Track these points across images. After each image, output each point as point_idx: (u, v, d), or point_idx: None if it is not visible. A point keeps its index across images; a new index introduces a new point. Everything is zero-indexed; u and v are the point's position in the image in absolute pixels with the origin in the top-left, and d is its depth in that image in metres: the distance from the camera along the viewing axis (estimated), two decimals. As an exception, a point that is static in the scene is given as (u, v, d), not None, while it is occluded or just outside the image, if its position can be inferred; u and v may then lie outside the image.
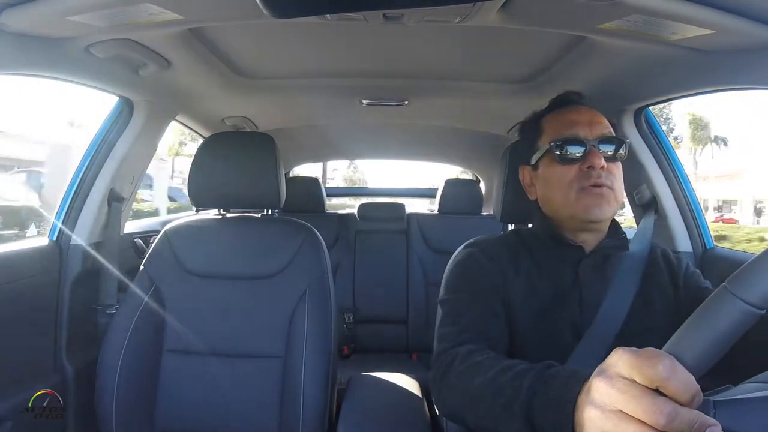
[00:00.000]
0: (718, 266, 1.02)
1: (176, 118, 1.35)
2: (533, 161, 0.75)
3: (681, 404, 0.31)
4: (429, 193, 2.69)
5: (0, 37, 0.71)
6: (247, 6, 0.60)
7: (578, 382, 0.39)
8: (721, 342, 0.34)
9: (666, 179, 1.08)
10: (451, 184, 2.02)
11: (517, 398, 0.46)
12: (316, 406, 0.89)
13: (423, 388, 1.07)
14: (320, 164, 8.25)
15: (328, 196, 2.22)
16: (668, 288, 0.72)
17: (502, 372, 0.50)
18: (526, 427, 0.44)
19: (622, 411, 0.32)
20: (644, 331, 0.67)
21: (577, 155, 0.68)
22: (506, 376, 0.49)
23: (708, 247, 1.07)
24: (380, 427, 0.90)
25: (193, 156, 1.05)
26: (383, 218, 2.04)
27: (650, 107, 1.08)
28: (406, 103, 1.37)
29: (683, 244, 1.08)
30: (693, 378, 0.32)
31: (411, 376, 1.13)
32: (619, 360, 0.34)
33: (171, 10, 0.71)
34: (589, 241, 0.72)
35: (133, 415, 0.91)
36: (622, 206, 0.77)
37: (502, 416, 0.47)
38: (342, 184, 19.56)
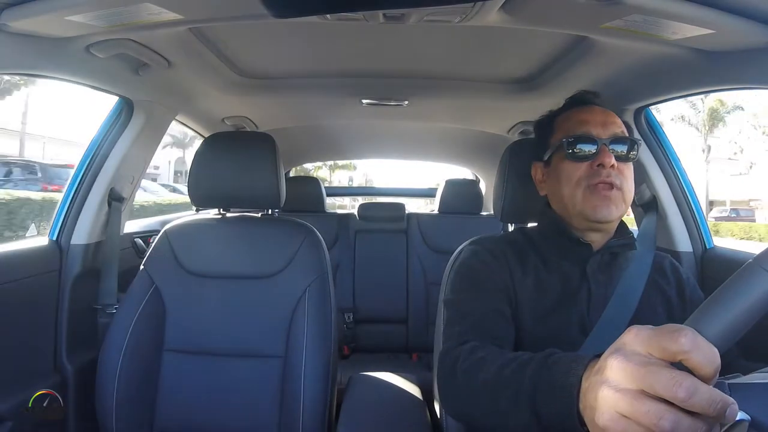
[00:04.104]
0: (718, 266, 1.02)
1: (176, 118, 1.35)
2: (545, 157, 0.75)
3: (703, 378, 0.30)
4: (429, 193, 2.69)
5: (0, 37, 0.71)
6: (247, 6, 0.60)
7: (581, 366, 0.38)
8: (747, 317, 0.33)
9: (666, 179, 1.08)
10: (451, 184, 2.01)
11: (521, 390, 0.45)
12: (316, 406, 0.89)
13: (423, 388, 1.07)
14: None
15: (328, 195, 2.22)
16: (674, 298, 0.73)
17: (505, 365, 0.50)
18: (533, 418, 0.44)
19: (638, 388, 0.31)
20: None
21: (589, 153, 0.68)
22: (509, 369, 0.49)
23: (708, 247, 1.07)
24: (380, 427, 0.90)
25: (194, 156, 1.06)
26: (383, 218, 2.04)
27: (650, 107, 1.08)
28: (406, 103, 1.37)
29: (683, 244, 1.08)
30: (716, 351, 0.30)
31: (411, 376, 1.13)
32: (636, 337, 0.32)
33: (171, 10, 0.71)
34: (597, 239, 0.72)
35: (133, 414, 0.91)
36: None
37: (508, 410, 0.47)
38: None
